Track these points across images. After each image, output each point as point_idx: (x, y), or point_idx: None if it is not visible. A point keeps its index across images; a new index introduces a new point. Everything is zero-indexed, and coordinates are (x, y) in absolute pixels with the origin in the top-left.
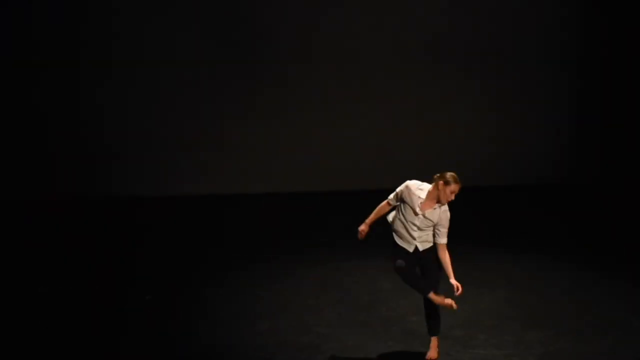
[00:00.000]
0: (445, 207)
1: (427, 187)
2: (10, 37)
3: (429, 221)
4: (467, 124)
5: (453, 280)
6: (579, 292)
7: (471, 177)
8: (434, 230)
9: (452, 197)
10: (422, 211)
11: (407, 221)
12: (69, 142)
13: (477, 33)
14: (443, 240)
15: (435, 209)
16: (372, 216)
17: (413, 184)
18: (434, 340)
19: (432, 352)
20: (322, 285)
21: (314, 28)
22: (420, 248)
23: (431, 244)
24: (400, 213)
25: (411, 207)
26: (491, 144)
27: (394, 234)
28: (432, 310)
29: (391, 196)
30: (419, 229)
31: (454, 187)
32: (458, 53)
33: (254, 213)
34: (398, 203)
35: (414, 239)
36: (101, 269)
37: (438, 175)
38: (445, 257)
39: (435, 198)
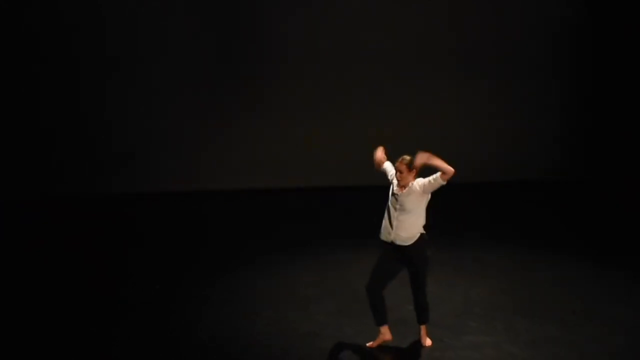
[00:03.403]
0: (417, 180)
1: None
2: (12, 37)
3: (410, 198)
4: (465, 123)
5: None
6: (566, 283)
7: (469, 174)
8: (432, 184)
9: (398, 175)
10: (399, 191)
11: (390, 202)
12: (62, 141)
13: (477, 35)
14: (438, 178)
15: (408, 189)
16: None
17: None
18: (423, 329)
19: (425, 340)
20: (321, 276)
21: (314, 28)
22: (398, 241)
23: (408, 242)
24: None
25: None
26: (490, 143)
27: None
28: (421, 301)
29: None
30: (402, 209)
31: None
32: (457, 54)
33: (252, 209)
34: (389, 176)
35: (392, 227)
36: (101, 266)
37: None
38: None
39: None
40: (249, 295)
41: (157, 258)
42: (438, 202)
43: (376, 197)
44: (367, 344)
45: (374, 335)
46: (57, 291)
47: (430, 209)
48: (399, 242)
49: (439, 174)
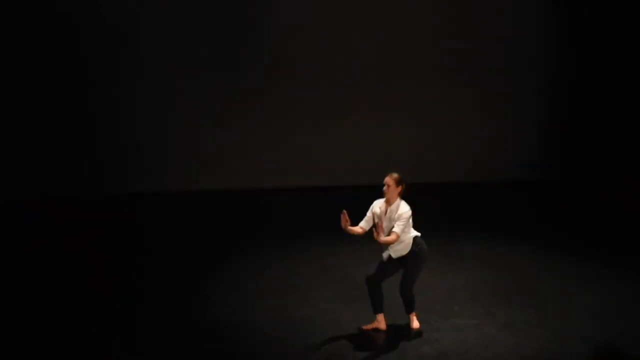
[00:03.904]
0: (401, 206)
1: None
2: (12, 37)
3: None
4: (458, 129)
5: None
6: (540, 272)
7: (461, 174)
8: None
9: (385, 189)
10: (382, 212)
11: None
12: (62, 141)
13: (471, 50)
14: (395, 229)
15: (390, 208)
16: (355, 230)
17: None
18: (411, 316)
19: (414, 323)
20: (321, 267)
21: (315, 35)
22: (394, 255)
23: (404, 252)
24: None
25: (378, 215)
26: (482, 146)
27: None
28: (405, 296)
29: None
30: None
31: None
32: (453, 67)
33: (252, 208)
34: (372, 222)
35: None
36: (101, 266)
37: None
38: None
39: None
40: (252, 285)
41: (157, 257)
42: (430, 201)
43: (373, 196)
44: (363, 326)
45: (370, 319)
46: (57, 291)
47: (424, 207)
48: (397, 255)
49: (396, 230)
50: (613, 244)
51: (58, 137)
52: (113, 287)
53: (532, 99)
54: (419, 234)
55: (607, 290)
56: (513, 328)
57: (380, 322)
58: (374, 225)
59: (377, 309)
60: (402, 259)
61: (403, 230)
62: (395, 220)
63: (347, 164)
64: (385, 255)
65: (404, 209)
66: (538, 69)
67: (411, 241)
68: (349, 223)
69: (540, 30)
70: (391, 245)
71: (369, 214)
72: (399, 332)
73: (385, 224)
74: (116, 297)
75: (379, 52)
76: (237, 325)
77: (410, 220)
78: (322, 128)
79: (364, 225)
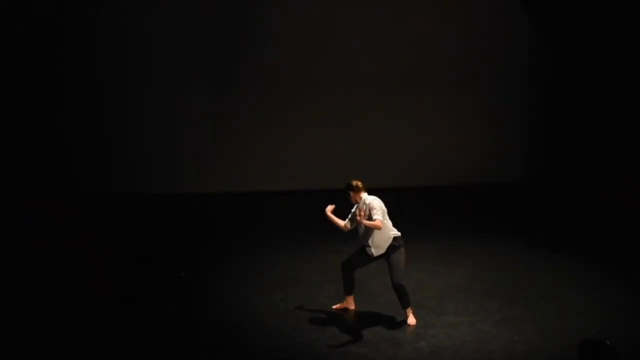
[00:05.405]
0: (367, 199)
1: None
2: (13, 37)
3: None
4: (450, 135)
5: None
6: (530, 270)
7: (452, 176)
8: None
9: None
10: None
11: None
12: (63, 142)
13: (462, 64)
14: (375, 218)
15: (360, 207)
16: (336, 220)
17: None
18: (407, 311)
19: (411, 319)
20: (323, 265)
21: (316, 39)
22: (375, 253)
23: (384, 249)
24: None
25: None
26: (473, 151)
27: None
28: (398, 291)
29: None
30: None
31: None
32: (445, 79)
33: (253, 210)
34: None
35: (370, 241)
36: (101, 266)
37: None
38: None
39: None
40: (253, 284)
41: (158, 258)
42: (425, 203)
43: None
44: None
45: (368, 314)
46: (57, 291)
47: (416, 207)
48: (378, 253)
49: (375, 218)
50: (604, 242)
51: (59, 137)
52: (113, 287)
53: (525, 103)
54: (399, 233)
55: (598, 288)
56: (504, 324)
57: (350, 303)
58: (357, 214)
59: (348, 292)
60: (383, 254)
61: (382, 219)
62: (369, 211)
63: (347, 167)
64: (369, 252)
65: (369, 199)
66: (532, 72)
67: (391, 239)
68: (330, 209)
69: (533, 34)
70: (373, 243)
71: (351, 214)
72: (396, 328)
73: (363, 214)
74: (116, 297)
75: (377, 56)
76: (240, 321)
77: (385, 211)
78: (322, 132)
79: (347, 224)
